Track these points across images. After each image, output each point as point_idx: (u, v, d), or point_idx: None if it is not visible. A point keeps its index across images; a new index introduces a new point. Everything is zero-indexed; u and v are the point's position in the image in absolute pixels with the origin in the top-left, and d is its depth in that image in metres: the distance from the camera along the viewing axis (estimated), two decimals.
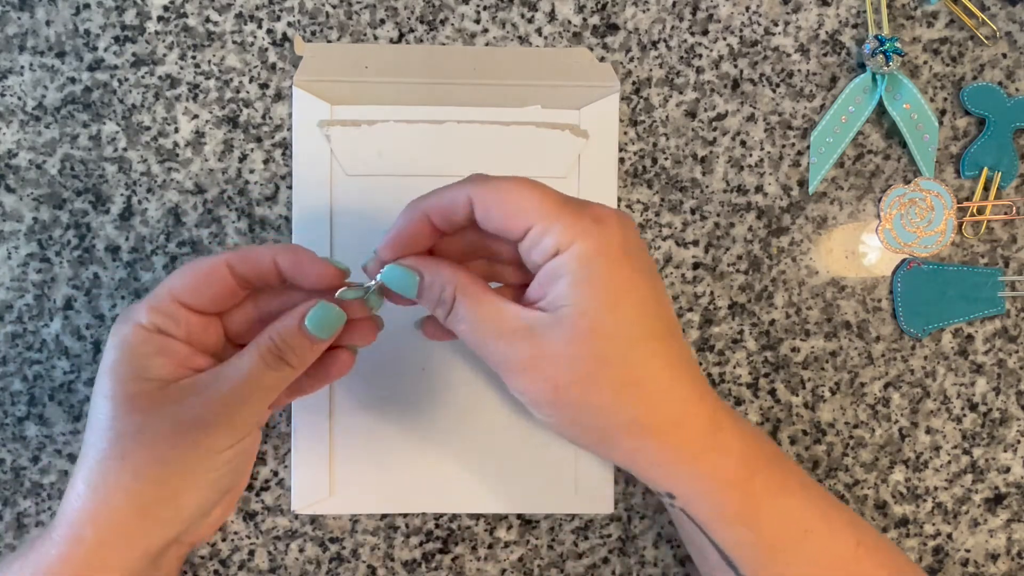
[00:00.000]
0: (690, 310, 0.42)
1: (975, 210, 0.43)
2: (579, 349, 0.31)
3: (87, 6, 0.40)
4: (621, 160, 0.42)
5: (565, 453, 0.42)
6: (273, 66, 0.41)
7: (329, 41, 0.41)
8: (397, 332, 0.41)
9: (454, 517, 0.42)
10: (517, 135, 0.41)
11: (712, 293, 0.42)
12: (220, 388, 0.33)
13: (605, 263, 0.31)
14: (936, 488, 0.43)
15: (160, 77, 0.40)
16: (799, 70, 0.42)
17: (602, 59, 0.42)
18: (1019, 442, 0.43)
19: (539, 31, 0.41)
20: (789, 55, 0.42)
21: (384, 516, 0.41)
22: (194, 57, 0.40)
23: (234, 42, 0.40)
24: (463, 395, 0.42)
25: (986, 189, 0.43)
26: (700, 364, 0.43)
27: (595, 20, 0.41)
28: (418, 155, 0.41)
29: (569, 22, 0.41)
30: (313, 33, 0.40)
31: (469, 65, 0.41)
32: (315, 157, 0.41)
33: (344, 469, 0.41)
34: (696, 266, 0.42)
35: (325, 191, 0.41)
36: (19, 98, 0.40)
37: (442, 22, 0.41)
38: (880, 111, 0.42)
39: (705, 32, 0.42)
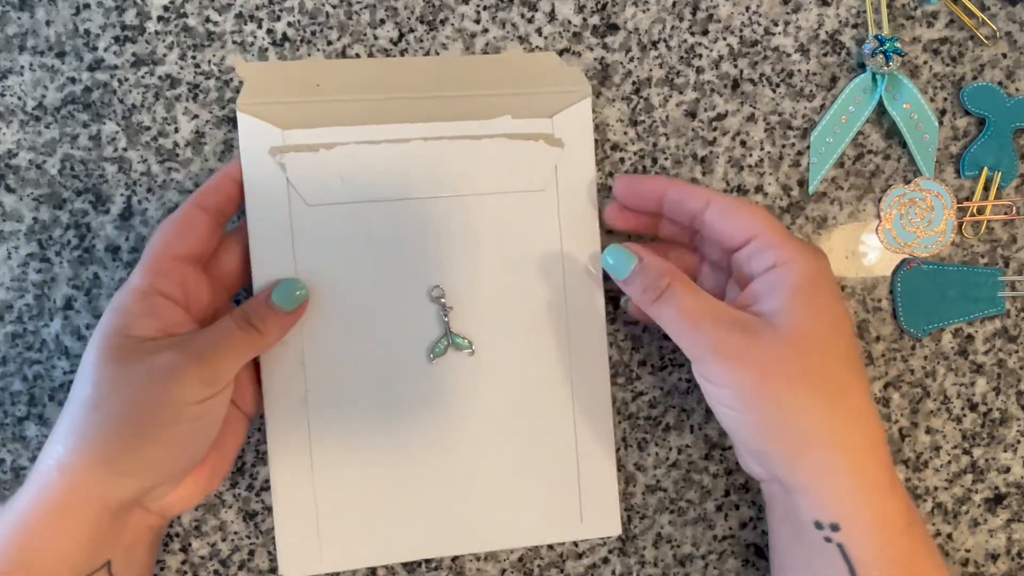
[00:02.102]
0: None
1: (975, 210, 0.43)
2: (794, 351, 0.33)
3: (87, 6, 0.40)
4: (621, 160, 0.42)
5: (567, 480, 0.40)
6: None
7: (329, 43, 0.41)
8: (373, 367, 0.39)
9: None
10: (489, 149, 0.39)
11: None
12: (195, 342, 0.35)
13: (824, 286, 0.34)
14: (936, 488, 0.43)
15: (160, 77, 0.40)
16: (799, 70, 0.42)
17: (602, 59, 0.42)
18: (1019, 442, 0.43)
19: (539, 31, 0.41)
20: (789, 55, 0.42)
21: None
22: (194, 57, 0.40)
23: (234, 42, 0.40)
24: (451, 428, 0.39)
25: (986, 189, 0.43)
26: None
27: (595, 20, 0.41)
28: (384, 178, 0.38)
29: (569, 22, 0.41)
30: (313, 33, 0.40)
31: (431, 77, 0.39)
32: (270, 188, 0.38)
33: (332, 523, 0.39)
34: None
35: (284, 224, 0.38)
36: (19, 98, 0.40)
37: (442, 22, 0.41)
38: (880, 111, 0.42)
39: (705, 32, 0.42)
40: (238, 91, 0.40)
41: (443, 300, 0.39)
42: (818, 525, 0.34)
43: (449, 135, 0.39)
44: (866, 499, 0.33)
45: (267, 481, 0.41)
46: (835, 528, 0.33)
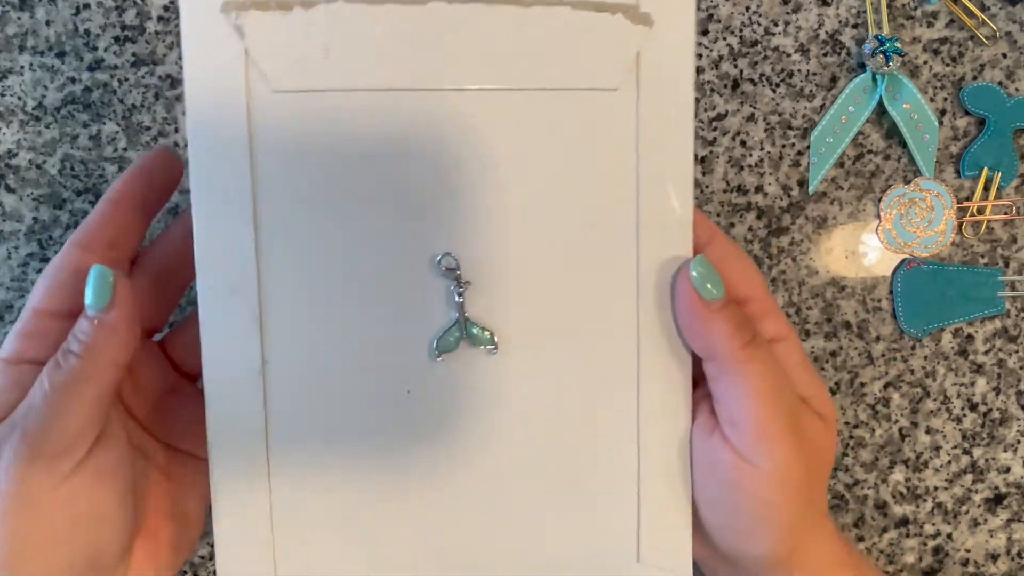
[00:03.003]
0: None
1: (975, 210, 0.43)
2: (831, 441, 0.32)
3: (87, 6, 0.40)
4: None
5: (622, 502, 0.29)
6: None
7: None
8: (363, 336, 0.28)
9: None
10: (542, 24, 0.26)
11: None
12: (20, 409, 0.27)
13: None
14: (936, 488, 0.43)
15: (160, 77, 0.40)
16: (799, 70, 0.42)
17: None
18: (1019, 442, 0.43)
19: None
20: (789, 55, 0.42)
21: None
22: None
23: None
24: (461, 446, 0.28)
25: (986, 189, 0.43)
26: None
27: None
28: (388, 54, 0.26)
29: None
30: None
31: None
32: (220, 65, 0.26)
33: (293, 544, 0.28)
34: None
35: (239, 119, 0.26)
36: (19, 98, 0.40)
37: None
38: (880, 111, 0.42)
39: (705, 32, 0.42)
40: None
41: (457, 272, 0.27)
42: None
43: None
44: (826, 553, 0.33)
45: None
46: None
